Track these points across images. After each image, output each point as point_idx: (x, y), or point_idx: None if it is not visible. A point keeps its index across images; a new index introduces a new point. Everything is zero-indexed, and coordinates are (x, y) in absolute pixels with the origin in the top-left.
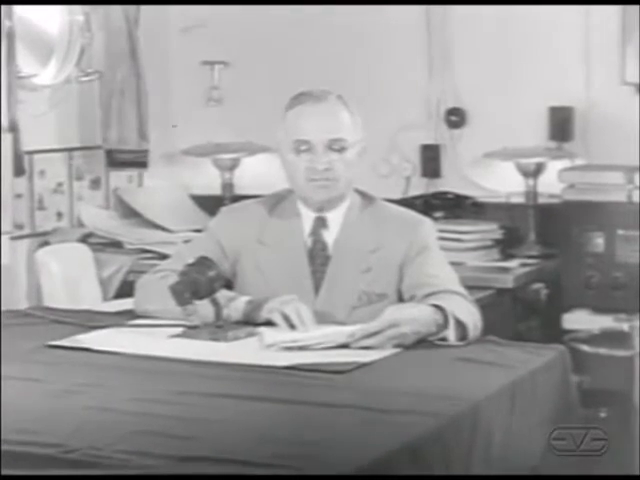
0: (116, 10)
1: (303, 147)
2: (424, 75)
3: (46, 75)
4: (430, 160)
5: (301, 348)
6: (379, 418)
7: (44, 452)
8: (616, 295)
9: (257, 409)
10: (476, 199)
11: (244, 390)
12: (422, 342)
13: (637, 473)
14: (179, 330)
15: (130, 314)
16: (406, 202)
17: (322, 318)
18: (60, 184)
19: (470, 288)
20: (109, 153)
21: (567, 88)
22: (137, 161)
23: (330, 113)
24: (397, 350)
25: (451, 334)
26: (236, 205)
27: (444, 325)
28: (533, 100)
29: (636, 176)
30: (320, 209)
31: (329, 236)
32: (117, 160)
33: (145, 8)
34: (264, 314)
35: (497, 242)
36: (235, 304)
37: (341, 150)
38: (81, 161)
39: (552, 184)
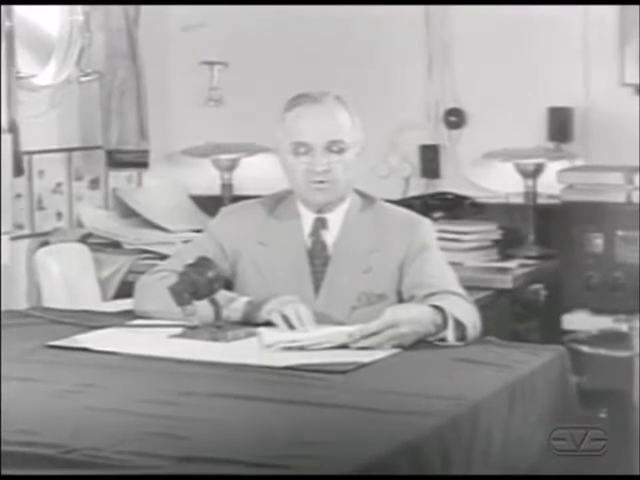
0: (116, 10)
1: (302, 149)
2: (423, 75)
3: (46, 75)
4: (429, 161)
5: (300, 348)
6: (378, 418)
7: (44, 452)
8: (615, 296)
9: (257, 409)
10: (475, 200)
11: (244, 390)
12: (421, 342)
13: (637, 473)
14: (179, 330)
15: (129, 314)
16: (405, 202)
17: (322, 318)
18: (59, 184)
19: (469, 288)
20: (109, 153)
21: (566, 89)
22: (137, 161)
23: (329, 114)
24: (396, 350)
25: (450, 334)
26: (236, 205)
27: (443, 326)
28: (532, 101)
29: (636, 177)
30: (320, 209)
31: (329, 237)
32: (117, 160)
33: (145, 8)
34: (264, 314)
35: (496, 243)
36: (235, 304)
37: (340, 152)
38: (80, 161)
39: (551, 185)
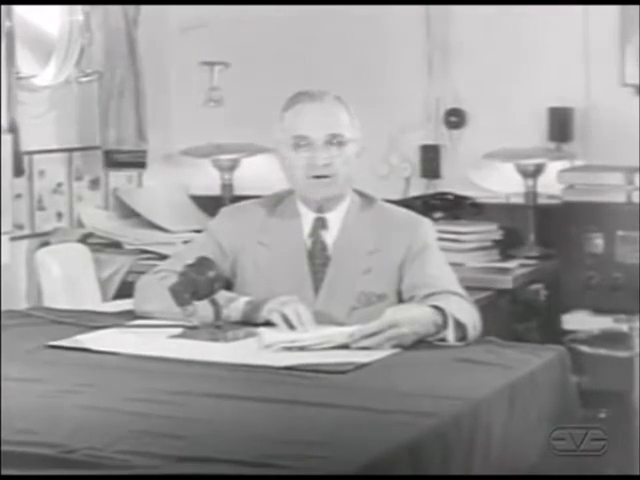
0: (115, 10)
1: (302, 143)
2: (424, 75)
3: (46, 76)
4: (430, 161)
5: (300, 348)
6: (378, 418)
7: (44, 452)
8: (615, 296)
9: (256, 409)
10: (476, 200)
11: (243, 390)
12: (421, 343)
13: (637, 473)
14: (179, 330)
15: (130, 314)
16: (406, 203)
17: (321, 318)
18: (60, 184)
19: (469, 289)
20: (107, 153)
21: (567, 89)
22: (135, 161)
23: (328, 110)
24: (396, 350)
25: (450, 335)
26: (236, 206)
27: (443, 326)
28: (533, 101)
29: (636, 177)
30: (320, 209)
31: (329, 237)
32: (115, 160)
33: (145, 8)
34: (263, 314)
35: (496, 243)
36: (235, 304)
37: (340, 146)
38: (81, 161)
39: (552, 185)
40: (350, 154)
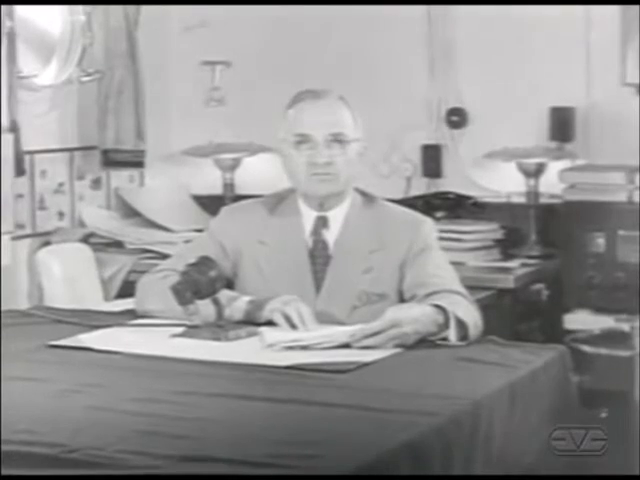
0: (116, 10)
1: (304, 141)
2: (425, 75)
3: (47, 75)
4: (431, 160)
5: (302, 348)
6: (380, 418)
7: (45, 452)
8: (617, 295)
9: (258, 409)
10: (477, 199)
11: (245, 390)
12: (423, 342)
13: (637, 473)
14: (180, 330)
15: (131, 314)
16: (407, 202)
17: (322, 318)
18: (61, 184)
19: (471, 288)
20: (105, 153)
21: (568, 88)
22: (134, 161)
23: (331, 109)
24: (398, 350)
25: (452, 334)
26: (237, 205)
27: (445, 325)
28: (534, 100)
29: (637, 176)
30: (321, 207)
31: (330, 236)
32: (113, 160)
33: (145, 8)
34: (265, 314)
35: (498, 242)
36: (236, 304)
37: (342, 145)
38: (82, 161)
39: (553, 184)
40: (352, 154)
